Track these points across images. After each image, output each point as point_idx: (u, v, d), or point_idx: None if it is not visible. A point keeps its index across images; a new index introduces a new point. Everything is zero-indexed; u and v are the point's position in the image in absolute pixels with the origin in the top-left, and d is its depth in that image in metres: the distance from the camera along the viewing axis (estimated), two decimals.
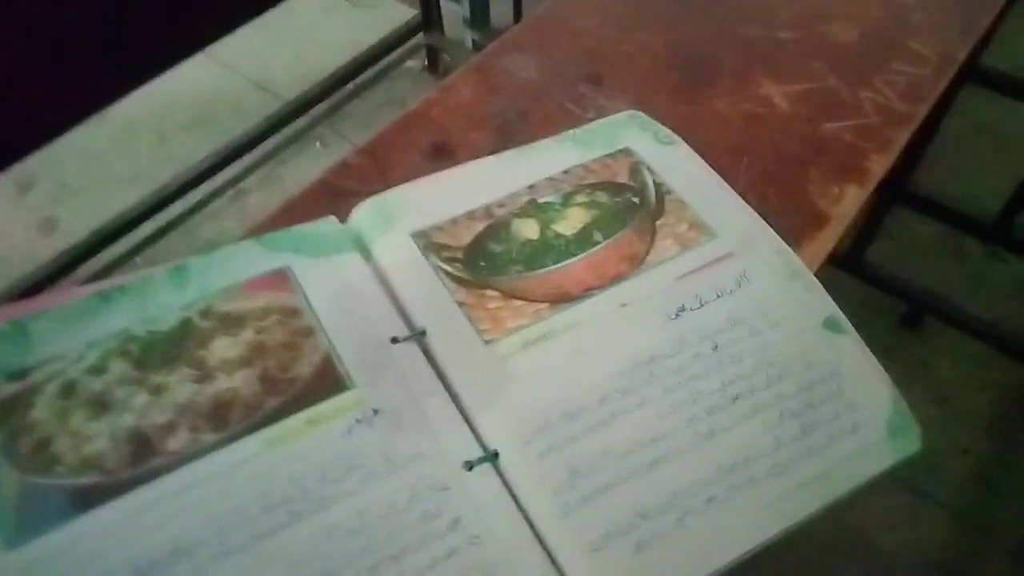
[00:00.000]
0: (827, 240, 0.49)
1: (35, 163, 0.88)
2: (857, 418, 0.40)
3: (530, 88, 0.58)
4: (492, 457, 0.37)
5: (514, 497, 0.36)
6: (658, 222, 0.47)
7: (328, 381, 0.39)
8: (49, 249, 1.30)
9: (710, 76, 0.59)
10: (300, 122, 1.51)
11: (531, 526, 0.35)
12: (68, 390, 0.37)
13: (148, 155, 1.49)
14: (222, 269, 0.43)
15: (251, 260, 0.43)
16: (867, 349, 0.42)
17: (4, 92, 0.73)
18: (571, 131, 0.52)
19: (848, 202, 0.51)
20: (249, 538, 0.34)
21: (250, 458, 0.36)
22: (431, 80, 1.62)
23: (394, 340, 0.41)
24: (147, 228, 1.34)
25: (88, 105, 0.83)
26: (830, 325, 0.43)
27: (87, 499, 0.34)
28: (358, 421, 0.38)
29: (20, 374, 0.37)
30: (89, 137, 1.45)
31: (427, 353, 0.41)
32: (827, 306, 0.44)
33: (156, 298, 0.41)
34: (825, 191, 0.51)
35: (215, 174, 1.40)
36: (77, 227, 1.33)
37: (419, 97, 0.57)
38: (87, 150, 1.46)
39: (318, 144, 1.52)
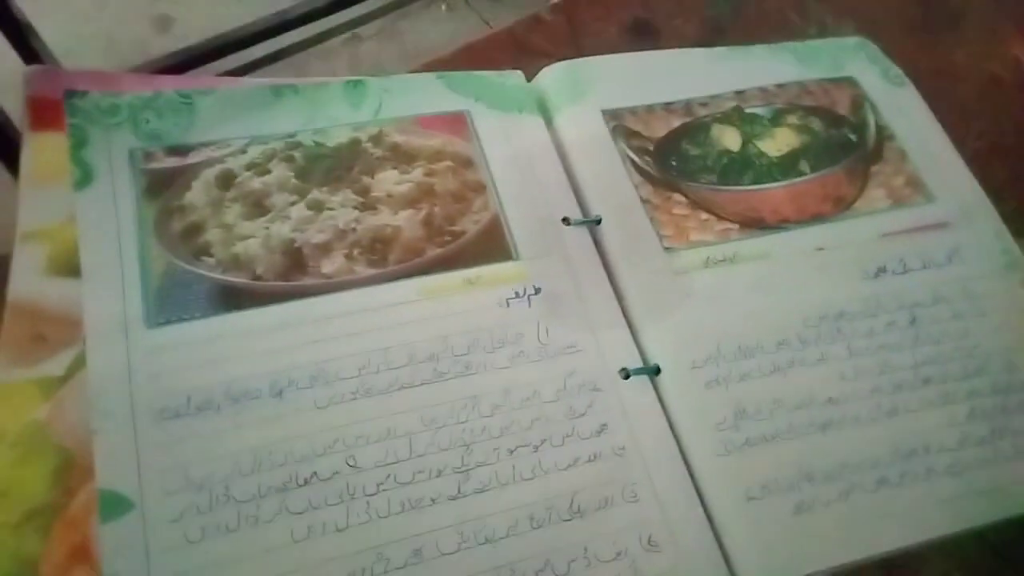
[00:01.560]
0: None
1: None
2: None
3: None
4: (652, 371, 0.34)
5: (669, 419, 0.33)
6: (873, 167, 0.42)
7: (493, 245, 0.35)
8: (159, 46, 1.27)
9: (952, 19, 0.51)
10: None
11: (683, 454, 0.32)
12: (227, 180, 0.34)
13: None
14: (400, 97, 0.39)
15: (430, 95, 0.39)
16: None
17: None
18: (792, 43, 0.46)
19: None
20: (389, 384, 0.31)
21: (403, 303, 0.33)
22: None
23: (565, 221, 0.37)
24: (258, 51, 1.30)
25: None
26: None
27: (232, 298, 0.32)
28: (517, 295, 0.34)
29: (182, 149, 0.34)
30: None
31: (598, 243, 0.37)
32: None
33: (328, 109, 0.37)
34: None
35: (334, 12, 1.35)
36: (190, 32, 1.30)
37: None
38: None
39: (443, 7, 1.45)
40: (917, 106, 0.45)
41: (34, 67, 0.35)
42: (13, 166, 0.89)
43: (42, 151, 0.34)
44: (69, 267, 0.32)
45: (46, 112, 0.35)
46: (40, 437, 0.29)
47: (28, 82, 0.35)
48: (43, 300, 0.31)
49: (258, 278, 0.32)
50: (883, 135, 0.43)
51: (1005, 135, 0.46)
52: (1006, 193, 0.43)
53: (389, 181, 0.36)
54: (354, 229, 0.34)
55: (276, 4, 1.32)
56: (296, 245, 0.33)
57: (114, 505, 0.27)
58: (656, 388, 0.34)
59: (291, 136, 0.36)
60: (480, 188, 0.37)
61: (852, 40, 0.47)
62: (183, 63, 1.21)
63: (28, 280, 0.31)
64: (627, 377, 0.33)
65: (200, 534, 0.27)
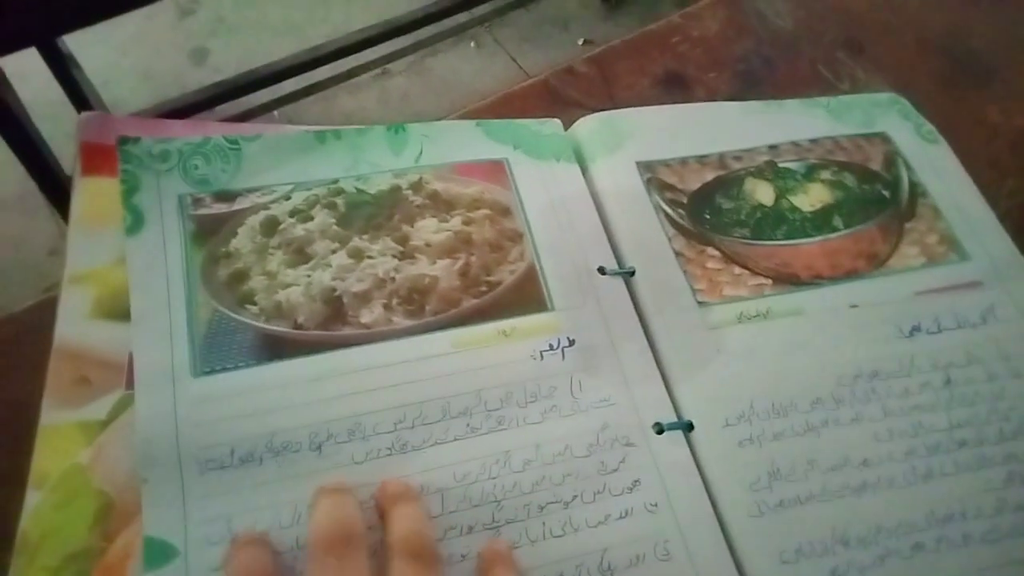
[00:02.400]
0: None
1: None
2: None
3: (782, 39, 0.51)
4: (686, 427, 0.34)
5: (703, 477, 0.33)
6: (907, 225, 0.42)
7: (528, 295, 0.36)
8: (195, 79, 1.30)
9: (983, 75, 0.52)
10: (460, 17, 1.46)
11: (716, 513, 0.32)
12: (271, 227, 0.35)
13: (306, 13, 1.47)
14: (439, 143, 0.39)
15: (469, 142, 0.40)
16: None
17: None
18: (824, 98, 0.46)
19: None
20: (423, 440, 0.31)
21: (438, 355, 0.33)
22: (601, 9, 1.53)
23: (601, 270, 0.37)
24: (290, 85, 1.33)
25: None
26: None
27: (275, 347, 0.32)
28: (551, 347, 0.35)
29: (228, 195, 0.35)
30: None
31: (632, 295, 0.37)
32: None
33: (370, 155, 0.38)
34: None
35: (366, 48, 1.37)
36: (226, 64, 1.33)
37: (586, 25, 0.52)
38: None
39: (472, 44, 1.47)
40: (950, 163, 0.45)
41: (88, 113, 0.36)
42: (54, 193, 0.91)
43: (92, 195, 0.35)
44: (115, 311, 0.33)
45: (97, 157, 0.36)
46: (81, 481, 0.29)
47: (81, 128, 0.36)
48: (88, 343, 0.32)
49: (299, 327, 0.33)
50: (916, 192, 0.43)
51: None
52: None
53: (428, 230, 0.36)
54: (393, 278, 0.35)
55: (309, 40, 1.36)
56: (336, 294, 0.34)
57: (159, 553, 0.28)
58: (690, 444, 0.34)
59: (334, 182, 0.37)
60: (517, 237, 0.37)
61: (885, 96, 0.47)
62: (218, 96, 1.24)
63: (74, 323, 0.32)
64: (660, 432, 0.33)
65: None
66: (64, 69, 1.06)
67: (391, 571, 0.26)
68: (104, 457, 0.30)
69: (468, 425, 0.32)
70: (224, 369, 0.31)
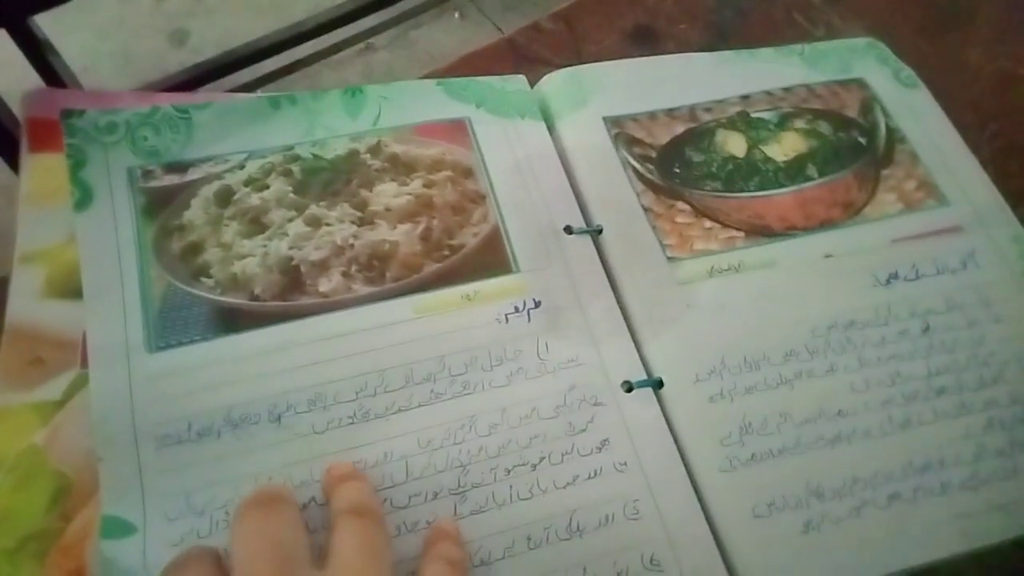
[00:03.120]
0: None
1: None
2: None
3: None
4: (656, 384, 0.33)
5: (673, 434, 0.32)
6: (883, 171, 0.41)
7: (493, 257, 0.35)
8: (176, 61, 1.29)
9: (966, 17, 0.50)
10: None
11: (687, 470, 0.32)
12: (225, 197, 0.34)
13: None
14: (398, 104, 0.38)
15: (430, 102, 0.39)
16: None
17: None
18: (799, 45, 0.45)
19: None
20: (386, 408, 0.31)
21: (399, 322, 0.32)
22: None
23: (567, 230, 0.36)
24: (272, 63, 1.31)
25: None
26: None
27: (231, 320, 0.31)
28: (516, 310, 0.34)
29: (180, 166, 0.34)
30: None
31: (600, 254, 0.36)
32: None
33: (326, 119, 0.37)
34: None
35: (348, 23, 1.35)
36: (206, 45, 1.31)
37: None
38: None
39: (457, 15, 1.45)
40: (930, 107, 0.44)
41: (32, 89, 0.35)
42: None
43: (40, 172, 0.34)
44: (67, 289, 0.32)
45: (44, 133, 0.35)
46: (37, 462, 0.29)
47: (26, 104, 0.35)
48: (41, 323, 0.31)
49: (256, 298, 0.32)
50: (894, 137, 0.42)
51: (1022, 134, 0.45)
52: (1023, 194, 0.42)
53: (387, 194, 0.36)
54: (352, 245, 0.34)
55: (290, 17, 1.33)
56: (294, 263, 0.33)
57: (117, 530, 0.27)
58: (660, 402, 0.33)
59: (289, 149, 0.36)
60: (479, 199, 0.36)
61: (862, 41, 0.46)
62: (199, 77, 1.22)
63: (26, 303, 0.32)
64: (630, 390, 0.33)
65: None
66: (40, 55, 1.04)
67: (336, 528, 0.26)
68: (60, 438, 0.29)
69: (432, 391, 0.31)
70: (180, 344, 0.31)
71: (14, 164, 0.87)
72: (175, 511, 0.28)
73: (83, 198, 0.33)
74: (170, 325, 0.31)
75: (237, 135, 0.36)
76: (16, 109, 0.86)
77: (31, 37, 1.01)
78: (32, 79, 1.05)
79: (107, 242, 0.32)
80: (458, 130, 0.38)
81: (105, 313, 0.31)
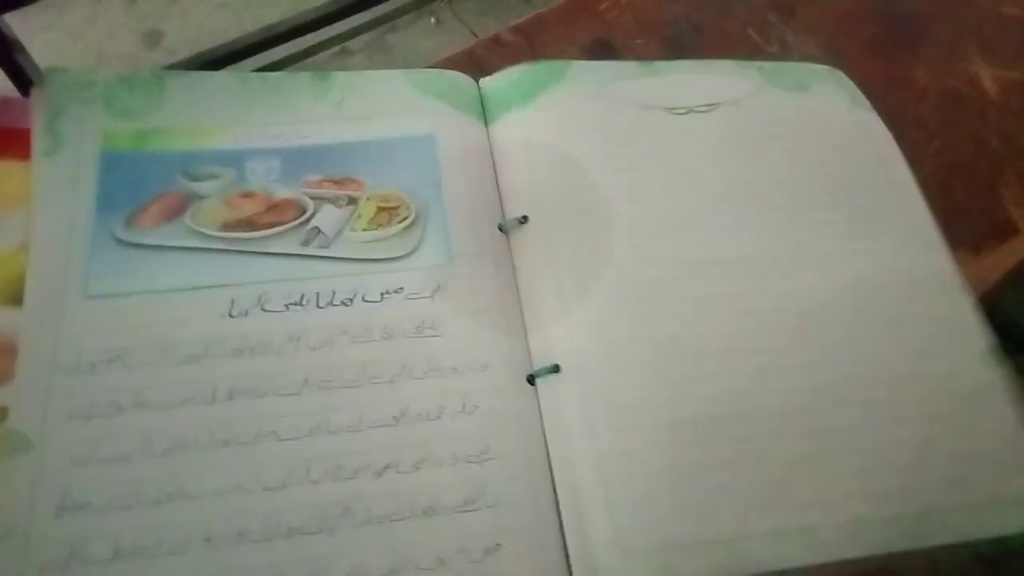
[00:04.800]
0: (1010, 254, 0.43)
1: None
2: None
3: (713, 2, 0.51)
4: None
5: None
6: None
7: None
8: (149, 62, 1.28)
9: (913, 37, 0.52)
10: None
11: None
12: None
13: None
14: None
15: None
16: None
17: None
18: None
19: None
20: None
21: None
22: None
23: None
24: (247, 65, 1.31)
25: None
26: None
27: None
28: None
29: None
30: None
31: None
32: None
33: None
34: (1021, 199, 0.45)
35: (324, 26, 1.35)
36: (180, 46, 1.31)
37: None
38: None
39: (433, 20, 1.46)
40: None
41: None
42: None
43: None
44: (18, 296, 0.32)
45: (2, 140, 0.35)
46: None
47: None
48: None
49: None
50: None
51: (964, 151, 0.46)
52: (963, 209, 0.44)
53: None
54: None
55: (265, 18, 1.33)
56: None
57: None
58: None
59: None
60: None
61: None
62: None
63: None
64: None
65: None
66: (8, 55, 1.03)
67: None
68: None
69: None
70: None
71: None
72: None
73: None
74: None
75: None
76: None
77: None
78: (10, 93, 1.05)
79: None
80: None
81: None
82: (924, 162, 0.45)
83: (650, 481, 0.31)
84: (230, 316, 0.32)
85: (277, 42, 1.31)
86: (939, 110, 0.48)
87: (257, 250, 0.34)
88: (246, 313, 0.33)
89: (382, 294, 0.34)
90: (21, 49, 1.04)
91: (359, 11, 1.37)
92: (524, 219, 0.37)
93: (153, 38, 1.35)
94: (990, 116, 0.48)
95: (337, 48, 1.39)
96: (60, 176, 0.35)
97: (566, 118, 0.40)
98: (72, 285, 0.32)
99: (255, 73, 0.39)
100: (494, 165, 0.39)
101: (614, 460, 0.32)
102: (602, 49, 0.48)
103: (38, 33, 1.28)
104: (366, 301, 0.34)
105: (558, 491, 0.31)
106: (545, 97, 0.41)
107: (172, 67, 1.21)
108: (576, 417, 0.32)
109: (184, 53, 1.24)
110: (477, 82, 0.42)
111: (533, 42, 0.48)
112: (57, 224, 0.33)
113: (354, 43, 1.40)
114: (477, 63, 0.46)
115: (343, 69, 1.32)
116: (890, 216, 0.41)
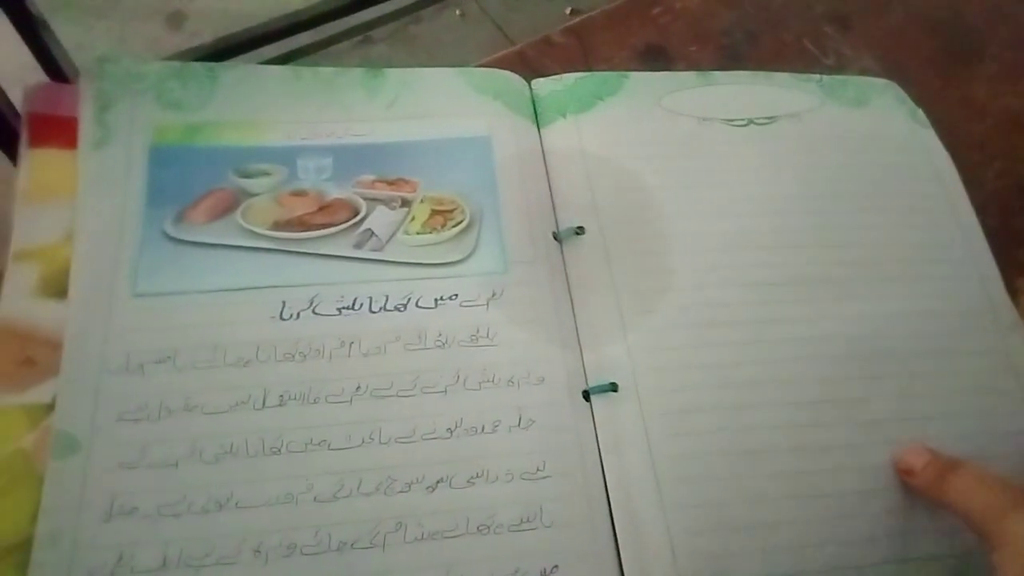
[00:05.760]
0: None
1: None
2: None
3: (768, 12, 0.50)
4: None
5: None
6: None
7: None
8: (171, 44, 1.27)
9: (973, 54, 0.50)
10: None
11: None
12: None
13: None
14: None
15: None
16: None
17: None
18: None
19: None
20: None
21: None
22: None
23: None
24: (270, 51, 1.29)
25: None
26: None
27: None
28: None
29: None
30: None
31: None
32: None
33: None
34: None
35: (347, 15, 1.34)
36: (203, 29, 1.30)
37: None
38: None
39: (458, 12, 1.44)
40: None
41: (36, 83, 0.34)
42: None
43: (39, 168, 0.33)
44: (62, 288, 0.31)
45: (45, 128, 0.34)
46: (25, 467, 0.28)
47: (28, 98, 0.34)
48: (34, 322, 0.30)
49: None
50: None
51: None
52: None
53: None
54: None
55: (290, 5, 1.32)
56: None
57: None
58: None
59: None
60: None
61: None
62: (195, 61, 1.20)
63: (19, 301, 0.31)
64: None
65: None
66: (34, 32, 1.02)
67: None
68: (48, 443, 0.28)
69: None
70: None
71: (12, 154, 0.86)
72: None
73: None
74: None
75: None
76: (15, 99, 0.84)
77: (25, 15, 1.00)
78: (23, 55, 1.04)
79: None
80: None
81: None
82: (985, 184, 0.44)
83: (709, 511, 0.31)
84: (281, 319, 0.31)
85: (300, 29, 1.29)
86: (999, 129, 0.47)
87: (308, 251, 0.33)
88: (297, 316, 0.32)
89: (436, 300, 0.33)
90: (46, 28, 1.03)
91: (383, 0, 1.36)
92: (580, 230, 0.36)
93: (176, 20, 1.34)
94: None
95: (360, 37, 1.38)
96: (109, 169, 0.33)
97: (625, 129, 0.39)
98: (120, 282, 0.31)
99: (307, 68, 0.38)
100: (547, 171, 0.38)
101: (672, 486, 0.31)
102: (655, 55, 0.47)
103: (61, 11, 1.27)
104: (420, 307, 0.33)
105: (614, 514, 0.30)
106: (603, 106, 0.40)
107: (194, 51, 1.20)
108: (634, 439, 0.32)
109: (207, 36, 1.23)
110: (529, 84, 0.41)
111: (584, 43, 0.47)
112: (105, 218, 0.32)
113: (377, 33, 1.39)
114: (528, 64, 0.45)
115: (365, 59, 1.31)
116: (946, 242, 0.40)
